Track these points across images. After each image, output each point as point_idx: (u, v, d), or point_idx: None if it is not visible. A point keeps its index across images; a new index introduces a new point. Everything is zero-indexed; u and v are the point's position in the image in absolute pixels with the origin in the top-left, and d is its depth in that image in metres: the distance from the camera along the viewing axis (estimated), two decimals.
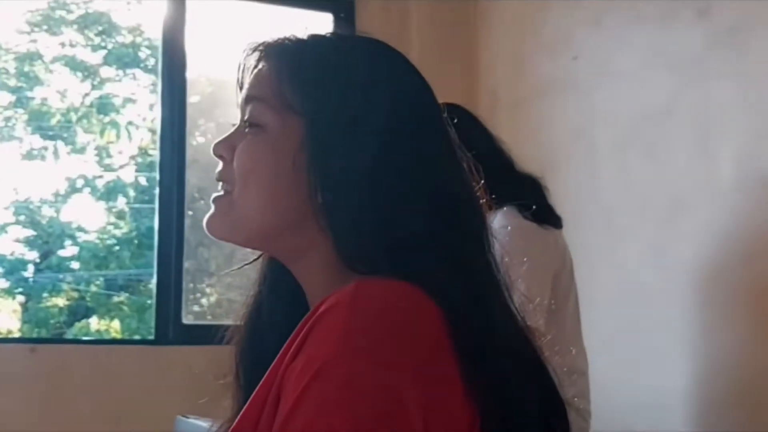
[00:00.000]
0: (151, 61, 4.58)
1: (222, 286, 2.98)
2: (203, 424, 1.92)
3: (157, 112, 2.44)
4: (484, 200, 0.92)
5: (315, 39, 0.94)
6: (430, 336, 0.78)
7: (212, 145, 0.94)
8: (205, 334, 2.37)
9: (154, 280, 2.36)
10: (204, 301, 3.27)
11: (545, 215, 1.69)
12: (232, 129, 0.94)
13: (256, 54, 0.95)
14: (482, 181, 0.93)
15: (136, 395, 2.20)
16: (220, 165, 0.94)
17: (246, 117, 0.92)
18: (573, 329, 1.67)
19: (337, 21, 2.53)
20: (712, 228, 1.81)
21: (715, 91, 1.79)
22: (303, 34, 0.95)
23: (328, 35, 0.95)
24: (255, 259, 1.00)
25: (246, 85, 0.94)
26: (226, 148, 0.93)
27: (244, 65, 0.96)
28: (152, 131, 4.47)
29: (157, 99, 2.44)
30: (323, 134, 0.88)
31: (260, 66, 0.93)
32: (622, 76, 2.02)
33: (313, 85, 0.89)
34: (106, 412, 2.17)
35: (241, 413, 0.81)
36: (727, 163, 1.77)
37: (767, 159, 1.69)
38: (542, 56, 2.20)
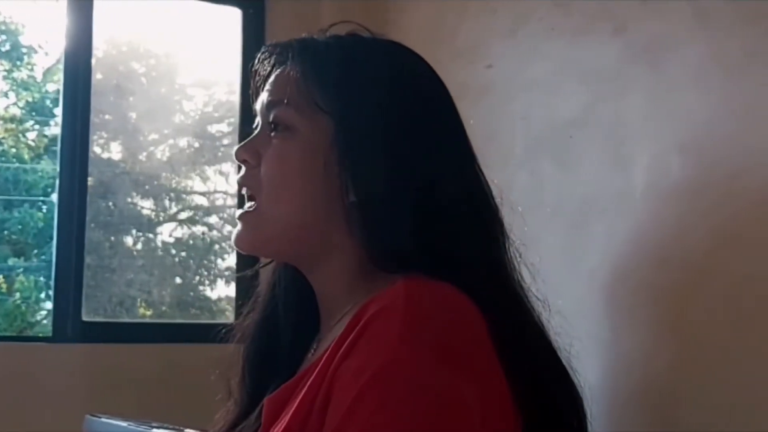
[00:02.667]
0: (6, 46, 4.38)
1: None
2: (117, 422, 1.86)
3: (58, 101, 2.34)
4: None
5: (336, 39, 0.94)
6: (479, 336, 0.80)
7: (235, 150, 0.92)
8: (106, 332, 2.33)
9: (53, 275, 2.27)
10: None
11: None
12: (254, 133, 0.93)
13: (273, 57, 0.94)
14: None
15: (37, 395, 2.11)
16: (243, 170, 0.93)
17: (271, 120, 0.91)
18: None
19: (246, 17, 2.50)
20: (622, 233, 1.90)
21: (628, 105, 1.89)
22: (321, 35, 0.95)
23: (347, 35, 0.95)
24: (270, 262, 0.99)
25: (267, 89, 0.93)
26: (250, 152, 0.92)
27: (260, 69, 0.95)
28: (4, 119, 4.28)
29: (59, 86, 2.35)
30: (353, 132, 0.88)
31: (282, 68, 0.92)
32: (536, 85, 2.09)
33: (341, 84, 0.90)
34: (6, 413, 2.07)
35: (288, 417, 0.81)
36: (638, 172, 1.87)
37: (677, 170, 1.79)
38: (457, 63, 2.25)
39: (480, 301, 0.82)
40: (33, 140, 4.20)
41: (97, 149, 3.23)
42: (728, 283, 1.68)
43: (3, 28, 4.29)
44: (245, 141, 0.94)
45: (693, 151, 1.75)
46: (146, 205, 3.23)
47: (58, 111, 3.11)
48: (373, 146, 0.87)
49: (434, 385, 0.74)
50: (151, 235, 3.23)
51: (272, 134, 0.91)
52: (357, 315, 0.80)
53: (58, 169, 2.28)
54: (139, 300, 2.99)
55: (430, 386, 0.73)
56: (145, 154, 3.18)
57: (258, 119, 0.95)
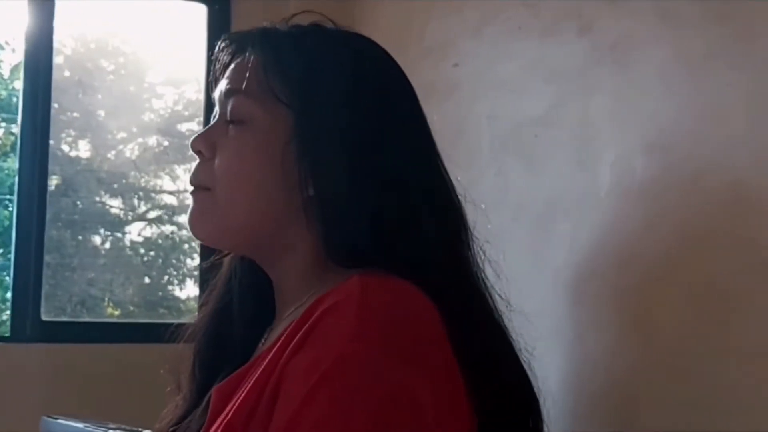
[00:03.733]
0: None
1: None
2: (73, 424, 1.83)
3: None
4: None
5: (299, 30, 0.92)
6: (435, 334, 0.79)
7: (190, 140, 0.90)
8: (65, 332, 2.29)
9: (11, 274, 2.23)
10: None
11: None
12: (212, 123, 0.91)
13: (233, 46, 0.92)
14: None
15: None
16: (195, 163, 0.91)
17: (229, 110, 0.89)
18: None
19: (212, 13, 2.48)
20: (586, 233, 1.89)
21: (594, 104, 1.89)
22: (283, 25, 0.93)
23: (309, 27, 0.93)
24: (225, 255, 0.97)
25: (226, 77, 0.91)
26: (205, 144, 0.90)
27: (219, 57, 0.93)
28: None
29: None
30: (313, 126, 0.86)
31: (241, 57, 0.90)
32: (502, 85, 2.08)
33: (302, 76, 0.88)
34: None
35: (233, 408, 0.79)
36: (603, 171, 1.87)
37: (641, 169, 1.79)
38: (424, 62, 2.24)
39: (438, 300, 0.81)
40: (13, 134, 4.18)
41: (64, 147, 3.19)
42: (692, 283, 1.68)
43: None
44: (201, 131, 0.92)
45: (658, 151, 1.75)
46: (114, 204, 3.20)
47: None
48: (333, 141, 0.86)
49: (386, 384, 0.72)
50: (119, 234, 3.20)
51: (229, 125, 0.89)
52: (310, 308, 0.78)
53: (17, 166, 2.25)
54: (106, 299, 2.96)
55: (382, 385, 0.72)
56: (113, 152, 3.15)
57: (216, 109, 0.93)
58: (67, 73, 2.99)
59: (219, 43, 0.94)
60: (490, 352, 0.85)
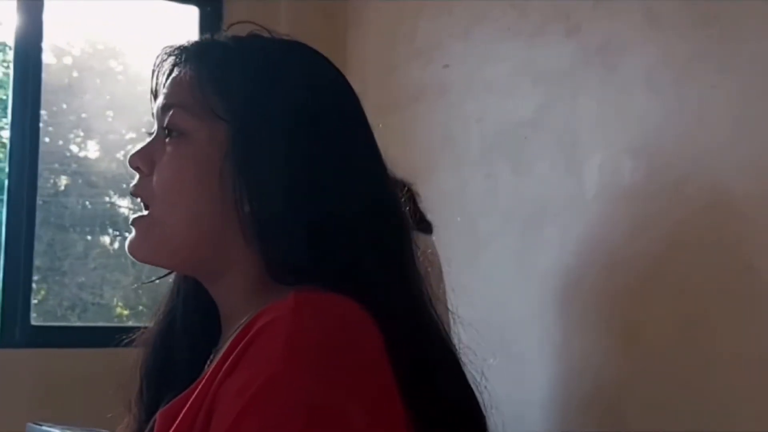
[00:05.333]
0: None
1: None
2: (57, 431, 1.82)
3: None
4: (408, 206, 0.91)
5: (236, 41, 0.89)
6: (372, 350, 0.76)
7: (128, 157, 0.88)
8: (55, 336, 2.27)
9: (0, 278, 2.22)
10: None
11: (416, 221, 1.71)
12: (149, 138, 0.88)
13: (172, 59, 0.89)
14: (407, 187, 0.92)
15: None
16: (136, 178, 0.88)
17: (166, 125, 0.86)
18: None
19: (204, 15, 2.47)
20: (574, 236, 1.87)
21: (581, 106, 1.86)
22: (222, 36, 0.90)
23: (248, 37, 0.90)
24: (169, 273, 0.95)
25: (163, 92, 0.88)
26: (143, 160, 0.87)
27: (159, 70, 0.90)
28: None
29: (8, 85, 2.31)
30: (249, 140, 0.83)
31: (178, 71, 0.88)
32: (491, 86, 2.06)
33: (238, 89, 0.85)
34: None
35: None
36: (590, 174, 1.84)
37: (629, 172, 1.77)
38: (413, 63, 2.23)
39: (379, 315, 0.78)
40: (7, 139, 4.18)
41: (73, 147, 3.19)
42: (677, 287, 1.67)
43: None
44: (139, 147, 0.89)
45: (644, 154, 1.73)
46: (123, 204, 3.19)
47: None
48: (269, 156, 0.82)
49: (315, 407, 0.69)
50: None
51: (167, 140, 0.87)
52: (245, 328, 0.76)
53: (6, 169, 2.24)
54: (116, 300, 2.96)
55: (311, 408, 0.69)
56: (122, 152, 3.15)
57: (154, 124, 0.90)
58: (75, 74, 2.99)
59: (156, 56, 0.92)
60: (433, 369, 0.82)
